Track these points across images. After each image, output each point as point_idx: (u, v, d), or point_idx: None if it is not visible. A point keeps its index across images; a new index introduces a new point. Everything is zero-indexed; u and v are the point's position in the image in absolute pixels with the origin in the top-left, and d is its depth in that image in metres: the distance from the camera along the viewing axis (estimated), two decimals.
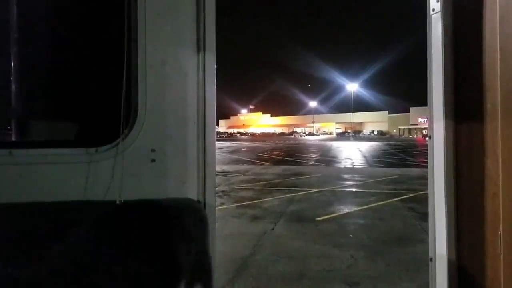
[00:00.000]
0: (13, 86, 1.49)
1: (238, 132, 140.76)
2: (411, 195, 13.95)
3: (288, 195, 14.15)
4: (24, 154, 1.27)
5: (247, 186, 16.35)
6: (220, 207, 12.10)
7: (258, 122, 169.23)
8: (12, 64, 1.47)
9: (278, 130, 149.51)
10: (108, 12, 1.44)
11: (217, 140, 79.66)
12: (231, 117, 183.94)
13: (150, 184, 1.35)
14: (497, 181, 1.41)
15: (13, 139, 1.49)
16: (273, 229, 9.47)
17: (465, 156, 1.55)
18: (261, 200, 13.23)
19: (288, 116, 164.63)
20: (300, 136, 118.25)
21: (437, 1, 1.58)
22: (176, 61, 1.35)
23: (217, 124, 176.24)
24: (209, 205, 1.45)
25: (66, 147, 1.31)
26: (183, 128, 1.39)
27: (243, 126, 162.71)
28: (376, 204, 12.42)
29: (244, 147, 50.55)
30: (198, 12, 1.37)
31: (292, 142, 70.87)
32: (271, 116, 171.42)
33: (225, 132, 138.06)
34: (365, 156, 33.99)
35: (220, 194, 14.51)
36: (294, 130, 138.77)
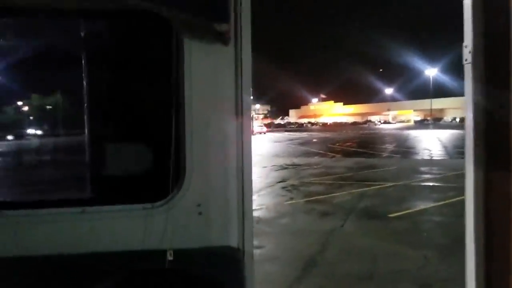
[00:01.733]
0: (87, 153, 1.72)
1: (309, 122, 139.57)
2: None
3: (359, 189, 13.89)
4: (94, 211, 1.49)
5: (317, 180, 16.28)
6: (289, 202, 12.23)
7: (330, 111, 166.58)
8: (86, 136, 1.70)
9: (351, 120, 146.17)
10: (161, 78, 1.58)
11: (287, 131, 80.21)
12: (302, 107, 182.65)
13: (197, 234, 1.50)
14: None
15: (84, 197, 1.73)
16: (342, 226, 9.39)
17: None
18: (331, 195, 13.12)
19: (362, 104, 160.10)
20: (375, 125, 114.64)
21: None
22: (218, 123, 1.47)
23: (287, 115, 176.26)
24: (248, 252, 1.55)
25: (127, 203, 1.50)
26: (225, 183, 1.51)
27: (314, 116, 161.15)
28: (454, 199, 11.74)
29: (315, 138, 50.21)
30: (236, 74, 1.46)
31: (366, 132, 69.06)
32: (343, 104, 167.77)
33: (296, 123, 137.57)
34: (445, 146, 32.15)
35: (290, 188, 14.63)
36: (368, 119, 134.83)
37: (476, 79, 1.65)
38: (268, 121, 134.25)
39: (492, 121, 1.61)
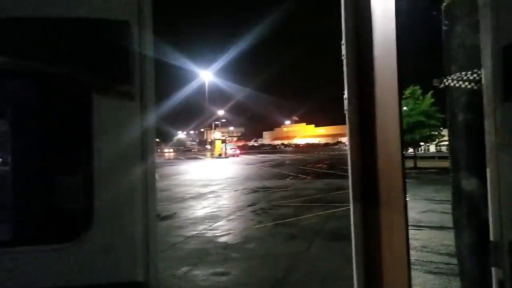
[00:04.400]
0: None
1: (283, 144, 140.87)
2: None
3: (327, 211, 14.15)
4: (0, 253, 1.60)
5: (286, 203, 16.47)
6: (258, 226, 12.32)
7: (303, 133, 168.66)
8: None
9: (323, 141, 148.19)
10: (73, 130, 1.76)
11: (261, 153, 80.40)
12: (275, 129, 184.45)
13: (106, 272, 1.63)
14: None
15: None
16: (308, 248, 9.56)
17: None
18: (299, 217, 13.33)
19: (333, 126, 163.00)
20: (346, 145, 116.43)
21: None
22: (124, 168, 1.65)
23: (261, 137, 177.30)
24: (152, 285, 1.69)
25: (36, 244, 1.62)
26: (131, 222, 1.66)
27: (287, 137, 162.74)
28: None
29: (287, 160, 50.62)
30: (141, 126, 1.66)
31: (336, 153, 70.05)
32: (315, 126, 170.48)
33: (269, 145, 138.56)
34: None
35: (259, 212, 14.75)
36: (339, 140, 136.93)
37: (352, 125, 2.01)
38: (241, 143, 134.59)
39: (366, 163, 1.97)
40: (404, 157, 1.88)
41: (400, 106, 1.86)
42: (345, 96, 2.08)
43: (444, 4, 2.55)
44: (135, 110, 1.67)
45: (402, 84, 1.83)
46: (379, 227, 1.97)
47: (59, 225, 1.77)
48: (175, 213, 14.99)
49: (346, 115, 2.07)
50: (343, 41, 2.09)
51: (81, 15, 1.61)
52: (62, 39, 1.60)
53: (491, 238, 2.08)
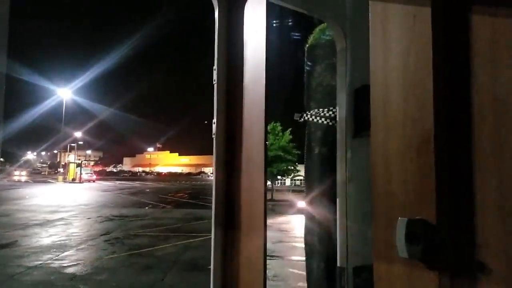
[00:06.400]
0: None
1: (144, 171, 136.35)
2: None
3: (185, 241, 13.92)
4: None
5: (143, 232, 15.78)
6: (111, 256, 11.51)
7: (166, 161, 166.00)
8: None
9: (186, 170, 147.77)
10: None
11: (120, 180, 76.60)
12: (137, 155, 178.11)
13: None
14: None
15: None
16: (163, 279, 9.21)
17: None
18: (156, 247, 12.83)
19: (197, 155, 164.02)
20: (208, 176, 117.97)
21: None
22: None
23: (121, 162, 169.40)
24: None
25: None
26: None
27: (150, 165, 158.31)
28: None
29: (147, 188, 49.00)
30: None
31: (198, 182, 70.27)
32: (179, 155, 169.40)
33: (130, 171, 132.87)
34: None
35: (113, 241, 13.82)
36: (202, 170, 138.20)
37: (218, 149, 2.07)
38: (99, 168, 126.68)
39: (230, 189, 2.02)
40: (266, 186, 1.93)
41: (265, 135, 1.92)
42: (214, 120, 2.09)
43: (307, 45, 2.77)
44: None
45: (268, 115, 1.91)
46: (238, 251, 1.98)
47: None
48: (16, 241, 13.21)
49: (214, 139, 2.07)
50: (215, 66, 2.11)
51: None
52: None
53: (338, 263, 2.25)
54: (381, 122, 1.36)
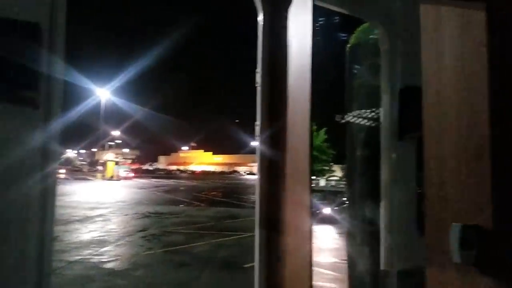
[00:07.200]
0: None
1: (178, 170, 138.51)
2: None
3: (219, 239, 14.04)
4: None
5: (178, 229, 16.04)
6: (147, 252, 11.78)
7: (200, 160, 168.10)
8: None
9: (219, 169, 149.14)
10: None
11: (155, 178, 78.17)
12: (172, 154, 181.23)
13: None
14: None
15: None
16: (198, 277, 9.34)
17: None
18: (190, 245, 13.02)
19: (230, 154, 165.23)
20: (241, 175, 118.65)
21: None
22: (21, 184, 1.48)
23: (157, 161, 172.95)
24: None
25: None
26: (25, 242, 1.50)
27: (184, 163, 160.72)
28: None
29: (182, 186, 49.76)
30: (45, 137, 1.52)
31: (231, 181, 70.76)
32: (212, 154, 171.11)
33: (165, 169, 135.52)
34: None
35: (149, 238, 14.13)
36: (235, 169, 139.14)
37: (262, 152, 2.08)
38: (136, 166, 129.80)
39: (274, 190, 1.99)
40: (311, 185, 1.93)
41: (311, 137, 1.91)
42: (257, 123, 2.09)
43: (349, 45, 2.74)
44: (38, 119, 1.49)
45: (313, 116, 1.89)
46: (283, 253, 1.98)
47: None
48: (58, 236, 13.72)
49: (257, 142, 2.07)
50: (258, 69, 2.11)
51: None
52: None
53: (382, 266, 2.21)
54: (435, 126, 1.33)
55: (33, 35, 1.51)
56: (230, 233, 15.32)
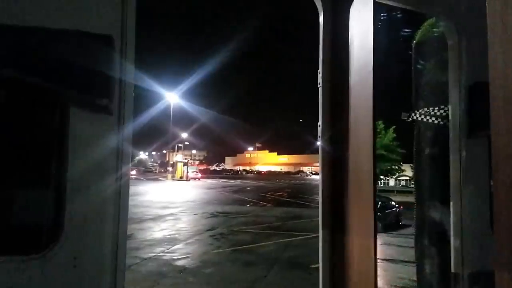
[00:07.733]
0: None
1: (244, 170, 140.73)
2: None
3: (286, 239, 14.11)
4: None
5: (246, 229, 16.33)
6: (216, 251, 12.12)
7: (265, 160, 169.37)
8: None
9: (284, 169, 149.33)
10: (46, 141, 1.69)
11: (222, 178, 79.93)
12: (238, 154, 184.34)
13: (72, 286, 1.55)
14: None
15: None
16: (266, 276, 9.45)
17: None
18: (257, 244, 13.21)
19: (295, 155, 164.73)
20: (307, 175, 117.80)
21: None
22: (97, 184, 1.60)
23: (223, 162, 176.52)
24: None
25: (2, 255, 1.52)
26: (100, 238, 1.60)
27: (250, 164, 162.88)
28: None
29: (248, 186, 50.50)
30: (117, 141, 1.63)
31: (297, 181, 70.63)
32: (277, 154, 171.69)
33: (231, 170, 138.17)
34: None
35: (218, 237, 14.53)
36: (301, 169, 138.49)
37: (325, 152, 2.09)
38: (203, 167, 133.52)
39: (337, 191, 2.00)
40: (375, 185, 1.91)
41: (375, 137, 1.89)
42: (319, 123, 2.11)
43: (415, 42, 2.67)
44: (112, 124, 1.63)
45: (376, 116, 1.88)
46: (347, 253, 1.99)
47: (27, 237, 1.67)
48: (132, 234, 14.53)
49: (320, 143, 2.09)
50: (320, 70, 2.13)
51: (64, 26, 1.58)
52: (42, 49, 1.56)
53: (452, 269, 2.14)
54: (503, 124, 1.28)
55: (105, 46, 1.64)
56: (296, 233, 15.34)
